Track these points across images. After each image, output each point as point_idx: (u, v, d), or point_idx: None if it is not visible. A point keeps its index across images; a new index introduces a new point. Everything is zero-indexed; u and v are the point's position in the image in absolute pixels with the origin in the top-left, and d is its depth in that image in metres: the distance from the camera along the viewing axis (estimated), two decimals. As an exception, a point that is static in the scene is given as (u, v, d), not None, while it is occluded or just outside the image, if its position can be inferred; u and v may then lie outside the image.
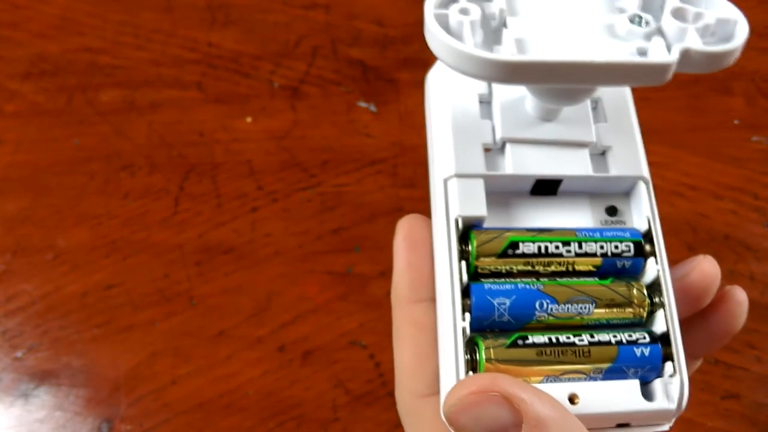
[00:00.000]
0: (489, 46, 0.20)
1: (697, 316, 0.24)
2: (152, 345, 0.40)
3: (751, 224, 0.44)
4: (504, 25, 0.21)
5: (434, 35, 0.19)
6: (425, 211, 0.43)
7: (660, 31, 0.21)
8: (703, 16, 0.20)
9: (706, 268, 0.23)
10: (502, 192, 0.23)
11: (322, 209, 0.44)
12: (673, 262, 0.38)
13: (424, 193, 0.42)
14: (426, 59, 0.54)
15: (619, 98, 0.25)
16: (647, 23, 0.21)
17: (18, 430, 0.38)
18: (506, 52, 0.20)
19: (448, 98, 0.24)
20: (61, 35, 0.51)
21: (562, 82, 0.20)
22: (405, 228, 0.24)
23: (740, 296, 0.24)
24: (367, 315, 0.41)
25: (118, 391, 0.39)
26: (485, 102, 0.24)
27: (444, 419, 0.19)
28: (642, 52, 0.20)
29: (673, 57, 0.19)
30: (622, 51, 0.20)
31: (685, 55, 0.19)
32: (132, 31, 0.52)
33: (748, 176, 0.46)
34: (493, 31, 0.21)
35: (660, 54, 0.20)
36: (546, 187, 0.23)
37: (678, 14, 0.20)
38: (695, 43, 0.20)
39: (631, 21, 0.21)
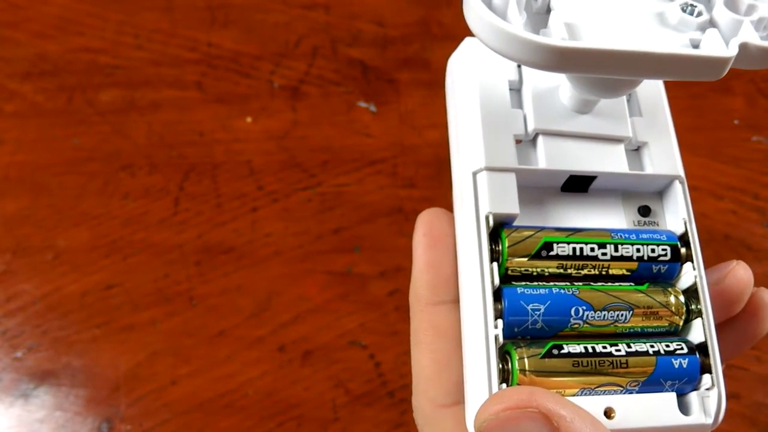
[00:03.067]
0: (533, 30, 0.19)
1: (725, 321, 0.23)
2: (152, 345, 0.40)
3: (751, 224, 0.44)
4: (548, 7, 0.19)
5: (478, 14, 0.17)
6: (426, 209, 0.42)
7: (712, 23, 0.19)
8: (756, 9, 0.19)
9: (740, 273, 0.22)
10: (532, 187, 0.22)
11: (322, 209, 0.44)
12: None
13: (424, 193, 0.42)
14: (426, 59, 0.54)
15: (654, 91, 0.23)
16: (700, 13, 0.19)
17: (18, 430, 0.38)
18: (556, 36, 0.18)
19: (475, 84, 0.22)
20: (61, 35, 0.51)
21: (615, 72, 0.18)
22: (425, 223, 0.22)
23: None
24: (367, 315, 0.41)
25: (118, 391, 0.39)
26: (515, 89, 0.22)
27: None
28: (695, 44, 0.19)
29: (732, 51, 0.18)
30: (675, 42, 0.19)
31: (743, 49, 0.18)
32: (132, 31, 0.52)
33: (748, 176, 0.46)
34: (534, 13, 0.19)
35: (718, 48, 0.18)
36: (578, 184, 0.22)
37: (731, 5, 0.19)
38: (752, 37, 0.18)
39: (683, 10, 0.19)
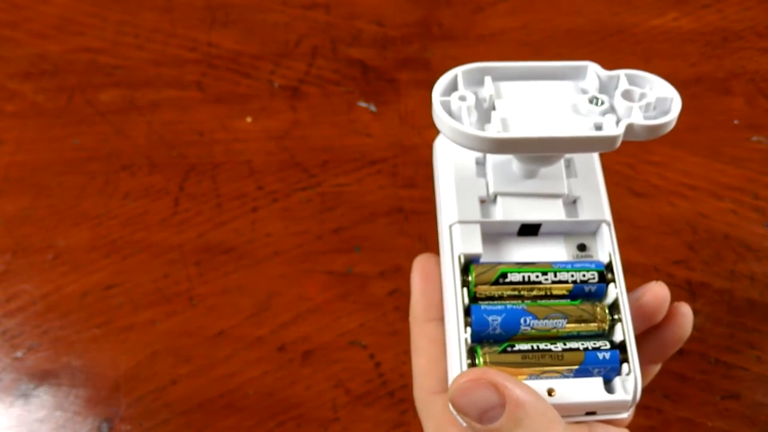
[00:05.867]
0: (482, 125, 0.26)
1: (652, 329, 0.30)
2: (152, 345, 0.40)
3: (751, 224, 0.44)
4: (493, 106, 0.26)
5: (440, 119, 0.25)
6: (426, 209, 0.43)
7: (613, 109, 0.26)
8: (646, 96, 0.26)
9: (657, 291, 0.29)
10: (495, 233, 0.29)
11: (322, 209, 0.44)
12: (674, 261, 0.39)
13: (424, 193, 0.43)
14: (426, 59, 0.54)
15: (588, 156, 0.30)
16: (602, 103, 0.26)
17: (18, 430, 0.38)
18: (494, 129, 0.25)
19: (451, 161, 0.29)
20: (61, 35, 0.51)
21: (537, 151, 0.26)
22: (419, 265, 0.30)
23: (685, 310, 0.30)
24: (367, 315, 0.41)
25: (118, 391, 0.39)
26: (480, 163, 0.30)
27: (450, 405, 0.25)
28: (598, 126, 0.26)
29: (619, 130, 0.25)
30: (583, 125, 0.26)
31: (630, 128, 0.25)
32: (132, 31, 0.52)
33: (748, 176, 0.46)
34: (484, 111, 0.26)
35: (610, 128, 0.25)
36: (529, 230, 0.29)
37: (627, 95, 0.26)
38: (638, 118, 0.25)
39: (590, 101, 0.26)
